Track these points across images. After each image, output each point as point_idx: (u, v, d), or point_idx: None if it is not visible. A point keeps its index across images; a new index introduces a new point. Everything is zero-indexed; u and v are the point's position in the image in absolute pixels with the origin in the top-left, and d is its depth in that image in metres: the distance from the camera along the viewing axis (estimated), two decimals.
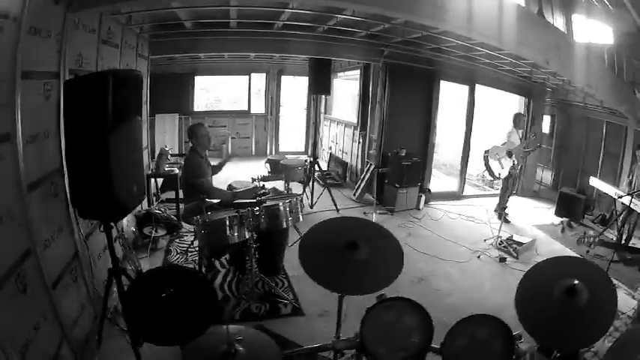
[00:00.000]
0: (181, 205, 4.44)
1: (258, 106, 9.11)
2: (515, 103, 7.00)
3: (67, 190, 2.26)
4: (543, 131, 6.87)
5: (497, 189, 6.22)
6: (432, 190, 6.28)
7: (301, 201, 3.19)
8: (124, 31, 3.68)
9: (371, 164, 6.20)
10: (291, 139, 9.66)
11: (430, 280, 3.80)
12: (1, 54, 1.72)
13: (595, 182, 5.00)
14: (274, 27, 4.81)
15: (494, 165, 5.20)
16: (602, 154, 5.87)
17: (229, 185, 4.30)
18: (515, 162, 5.29)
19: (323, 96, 7.99)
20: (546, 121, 7.05)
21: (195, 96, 8.60)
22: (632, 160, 5.08)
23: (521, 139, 5.38)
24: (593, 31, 4.50)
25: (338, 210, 5.47)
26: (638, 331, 1.76)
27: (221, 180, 4.36)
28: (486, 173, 5.88)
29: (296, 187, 5.69)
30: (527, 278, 1.68)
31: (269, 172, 6.45)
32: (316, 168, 5.68)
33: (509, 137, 5.34)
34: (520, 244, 4.47)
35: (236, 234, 2.81)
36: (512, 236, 4.64)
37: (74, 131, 1.91)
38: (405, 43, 5.21)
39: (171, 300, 1.50)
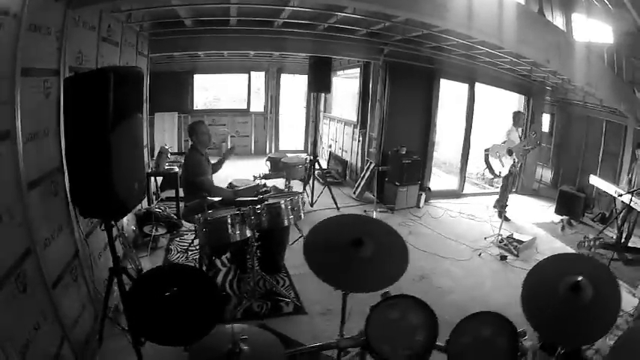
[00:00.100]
0: (181, 204, 4.42)
1: (258, 105, 9.10)
2: (514, 101, 7.01)
3: (67, 189, 2.24)
4: (543, 130, 6.88)
5: (497, 187, 6.23)
6: (432, 189, 6.29)
7: (302, 199, 3.18)
8: (123, 28, 3.67)
9: (371, 162, 6.19)
10: (291, 137, 9.64)
11: (431, 278, 3.80)
12: (1, 51, 1.70)
13: (595, 180, 5.00)
14: (274, 25, 4.78)
15: (494, 163, 5.21)
16: (601, 153, 5.89)
17: (230, 183, 4.28)
18: (516, 160, 5.29)
19: (323, 94, 7.97)
20: (546, 119, 7.07)
21: (195, 94, 8.57)
22: (631, 158, 5.10)
23: (520, 138, 5.38)
24: (593, 31, 4.51)
25: (338, 208, 5.47)
26: None
27: (221, 178, 4.35)
28: (487, 171, 5.89)
29: (297, 186, 5.69)
30: (532, 276, 1.67)
31: (270, 170, 6.44)
32: (316, 166, 5.67)
33: (508, 135, 5.34)
34: (520, 242, 4.48)
35: (238, 232, 2.80)
36: (512, 234, 4.64)
37: (74, 129, 1.89)
38: (405, 41, 5.20)
39: (177, 299, 1.48)
